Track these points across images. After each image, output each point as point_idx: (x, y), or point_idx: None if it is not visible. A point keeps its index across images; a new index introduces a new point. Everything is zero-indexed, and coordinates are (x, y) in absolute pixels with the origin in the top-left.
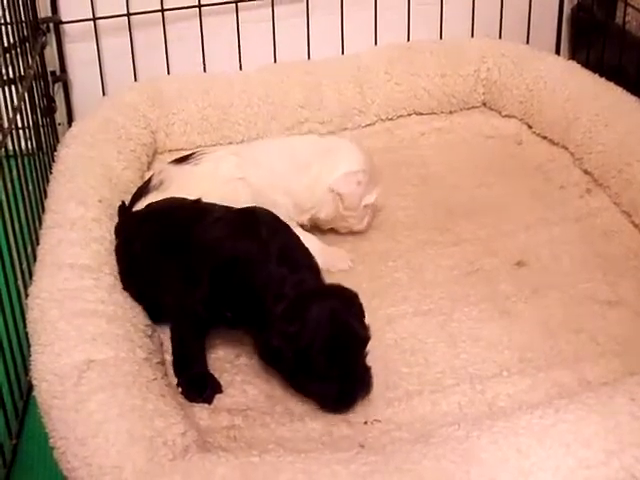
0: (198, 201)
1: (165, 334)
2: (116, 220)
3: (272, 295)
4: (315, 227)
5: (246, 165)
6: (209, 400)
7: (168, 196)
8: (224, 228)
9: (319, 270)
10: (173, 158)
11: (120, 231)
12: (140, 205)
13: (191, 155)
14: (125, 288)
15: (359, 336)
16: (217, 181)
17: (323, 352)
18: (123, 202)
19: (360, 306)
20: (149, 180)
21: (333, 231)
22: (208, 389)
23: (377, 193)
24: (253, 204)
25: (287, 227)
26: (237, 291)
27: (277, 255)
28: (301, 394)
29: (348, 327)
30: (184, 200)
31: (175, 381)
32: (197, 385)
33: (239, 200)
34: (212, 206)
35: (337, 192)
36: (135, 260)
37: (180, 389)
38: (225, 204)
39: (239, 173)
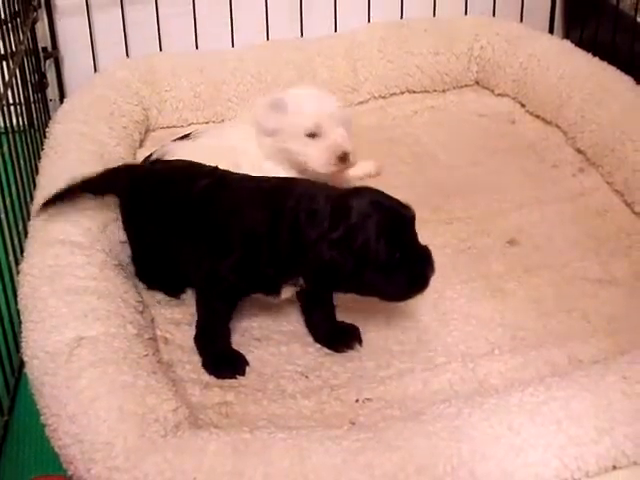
0: (216, 168)
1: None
2: (107, 196)
3: (305, 219)
4: None
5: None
6: (242, 372)
7: None
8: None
9: None
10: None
11: (128, 192)
12: None
13: (189, 134)
14: (136, 258)
15: (408, 214)
16: (217, 151)
17: (381, 238)
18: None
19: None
20: (149, 156)
21: None
22: (238, 365)
23: (344, 139)
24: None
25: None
26: (275, 244)
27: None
28: (374, 296)
29: (394, 209)
30: (198, 165)
31: (178, 358)
32: (226, 363)
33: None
34: (230, 174)
35: (257, 122)
36: (149, 227)
37: (205, 367)
38: None
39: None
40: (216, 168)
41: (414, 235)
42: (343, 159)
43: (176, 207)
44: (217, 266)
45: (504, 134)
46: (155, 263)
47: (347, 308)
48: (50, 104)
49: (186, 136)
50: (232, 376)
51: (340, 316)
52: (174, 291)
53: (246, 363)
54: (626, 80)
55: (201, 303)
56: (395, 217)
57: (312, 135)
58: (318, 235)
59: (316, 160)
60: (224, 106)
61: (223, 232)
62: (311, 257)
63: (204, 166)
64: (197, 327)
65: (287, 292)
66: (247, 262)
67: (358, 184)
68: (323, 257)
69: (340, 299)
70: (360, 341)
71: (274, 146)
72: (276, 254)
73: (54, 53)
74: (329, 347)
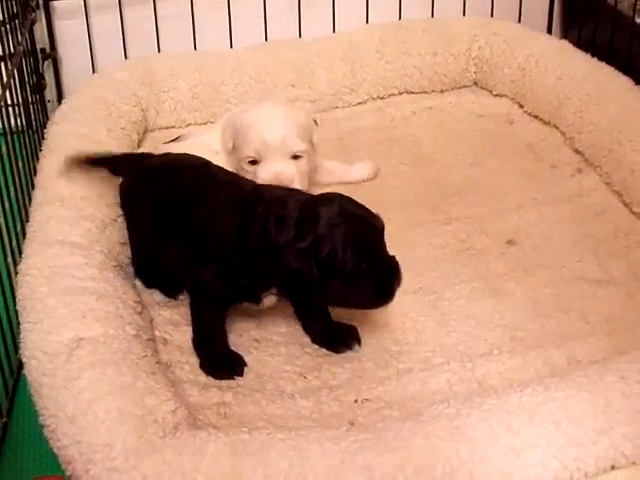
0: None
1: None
2: (106, 197)
3: (274, 225)
4: None
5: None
6: (240, 373)
7: None
8: (224, 202)
9: None
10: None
11: (126, 190)
12: None
13: (180, 137)
14: (134, 255)
15: (376, 224)
16: (203, 153)
17: (348, 248)
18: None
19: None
20: None
21: None
22: (235, 365)
23: (281, 171)
24: None
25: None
26: (245, 252)
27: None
28: (341, 306)
29: (363, 219)
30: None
31: (176, 359)
32: (223, 364)
33: None
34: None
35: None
36: (142, 224)
37: (203, 369)
38: None
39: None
40: (204, 165)
41: (382, 245)
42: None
43: (163, 206)
44: (202, 273)
45: (502, 135)
46: (152, 262)
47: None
48: (48, 105)
49: (177, 138)
50: (230, 377)
51: (338, 317)
52: (171, 291)
53: (244, 364)
54: (624, 80)
55: (193, 307)
56: (363, 227)
57: (253, 162)
58: (285, 242)
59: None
60: (222, 107)
61: (202, 238)
62: (279, 265)
63: (192, 161)
64: (192, 330)
65: (269, 300)
66: (224, 270)
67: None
68: (290, 266)
69: None
70: (359, 341)
71: (231, 162)
72: (248, 262)
73: (52, 54)
74: (328, 348)
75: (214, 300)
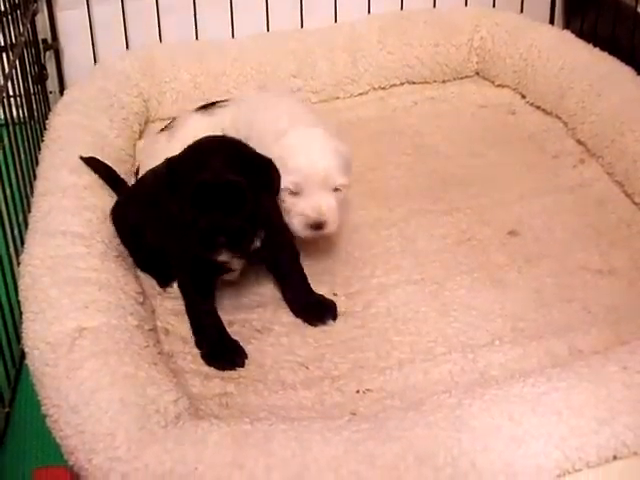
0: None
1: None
2: (108, 188)
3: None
4: None
5: None
6: (242, 364)
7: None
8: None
9: None
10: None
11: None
12: None
13: (214, 103)
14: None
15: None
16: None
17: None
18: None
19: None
20: (166, 127)
21: None
22: (236, 356)
23: (321, 207)
24: None
25: None
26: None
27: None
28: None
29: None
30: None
31: (178, 349)
32: (224, 354)
33: None
34: None
35: None
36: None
37: (204, 359)
38: None
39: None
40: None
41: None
42: (318, 226)
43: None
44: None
45: (504, 125)
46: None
47: (348, 297)
48: (50, 96)
49: (211, 105)
50: (231, 367)
51: (343, 305)
52: (164, 280)
53: (245, 354)
54: (626, 71)
55: (184, 301)
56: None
57: (293, 193)
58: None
59: (290, 222)
60: (224, 97)
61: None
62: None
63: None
64: (190, 323)
65: (235, 264)
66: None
67: None
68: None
69: (340, 285)
70: (334, 316)
71: None
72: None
73: (54, 45)
74: (304, 320)
75: (198, 281)
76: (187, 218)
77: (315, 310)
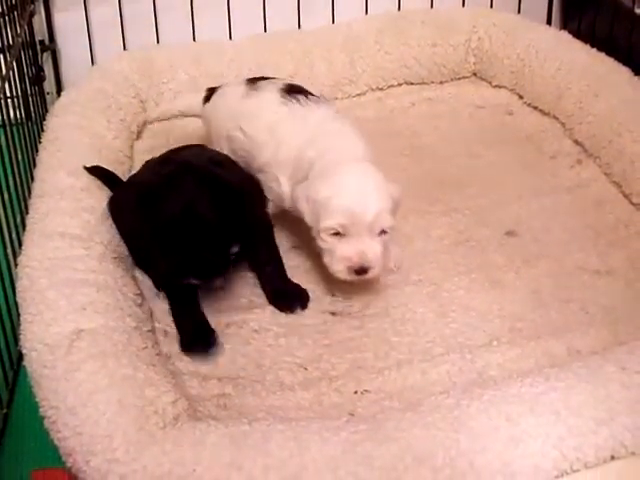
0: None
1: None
2: (106, 189)
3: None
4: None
5: None
6: (213, 343)
7: None
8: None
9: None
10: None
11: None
12: None
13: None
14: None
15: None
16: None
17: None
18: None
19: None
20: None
21: None
22: (209, 337)
23: (366, 252)
24: None
25: None
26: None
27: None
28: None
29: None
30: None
31: (176, 350)
32: (196, 338)
33: None
34: None
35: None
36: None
37: (181, 348)
38: None
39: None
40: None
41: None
42: (361, 271)
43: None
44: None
45: (502, 126)
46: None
47: (347, 298)
48: (47, 97)
49: (260, 79)
50: (204, 351)
51: (341, 305)
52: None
53: (218, 340)
54: (624, 71)
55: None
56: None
57: (336, 233)
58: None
59: (330, 264)
60: None
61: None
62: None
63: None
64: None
65: (210, 283)
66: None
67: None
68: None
69: (338, 286)
70: (303, 305)
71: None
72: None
73: (51, 46)
74: (275, 307)
75: (178, 289)
76: (156, 247)
77: (285, 298)
